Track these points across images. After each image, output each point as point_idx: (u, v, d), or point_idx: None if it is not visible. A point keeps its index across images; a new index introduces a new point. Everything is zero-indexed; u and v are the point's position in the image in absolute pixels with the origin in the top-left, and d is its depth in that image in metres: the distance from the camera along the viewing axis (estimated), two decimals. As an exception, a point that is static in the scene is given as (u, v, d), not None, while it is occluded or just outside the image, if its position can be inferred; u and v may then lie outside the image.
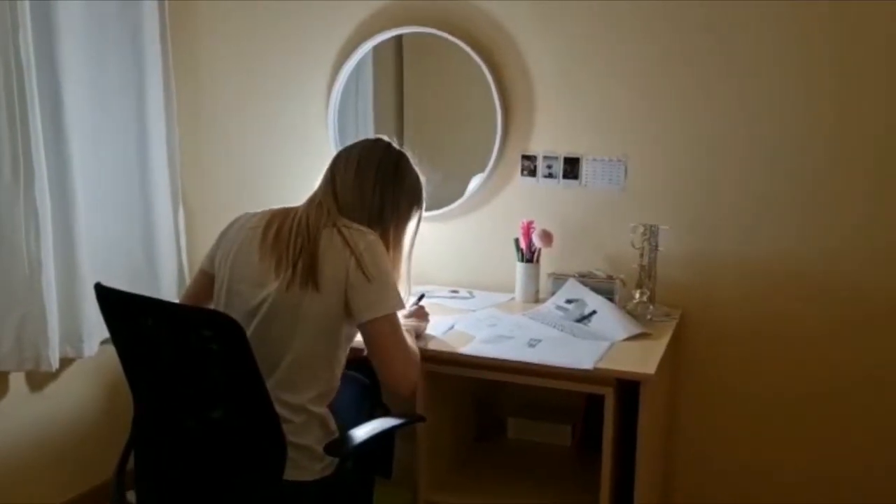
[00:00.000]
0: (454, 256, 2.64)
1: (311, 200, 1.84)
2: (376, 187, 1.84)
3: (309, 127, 2.72)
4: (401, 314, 1.88)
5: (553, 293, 2.35)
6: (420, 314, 2.13)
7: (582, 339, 2.07)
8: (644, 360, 1.91)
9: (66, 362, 2.50)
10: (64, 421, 2.55)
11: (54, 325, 2.36)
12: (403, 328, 1.91)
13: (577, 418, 2.38)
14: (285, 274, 1.72)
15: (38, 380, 2.47)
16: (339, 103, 2.68)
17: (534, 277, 2.44)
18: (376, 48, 2.63)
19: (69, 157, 2.39)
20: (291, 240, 1.75)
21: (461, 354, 1.95)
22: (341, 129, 2.69)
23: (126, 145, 2.64)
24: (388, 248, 1.87)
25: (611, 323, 2.13)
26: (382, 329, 1.75)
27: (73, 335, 2.47)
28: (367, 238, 1.76)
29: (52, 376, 2.50)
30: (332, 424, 1.80)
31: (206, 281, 1.89)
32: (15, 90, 2.19)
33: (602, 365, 1.86)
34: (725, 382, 2.42)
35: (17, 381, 2.42)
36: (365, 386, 2.09)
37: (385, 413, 2.10)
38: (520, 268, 2.45)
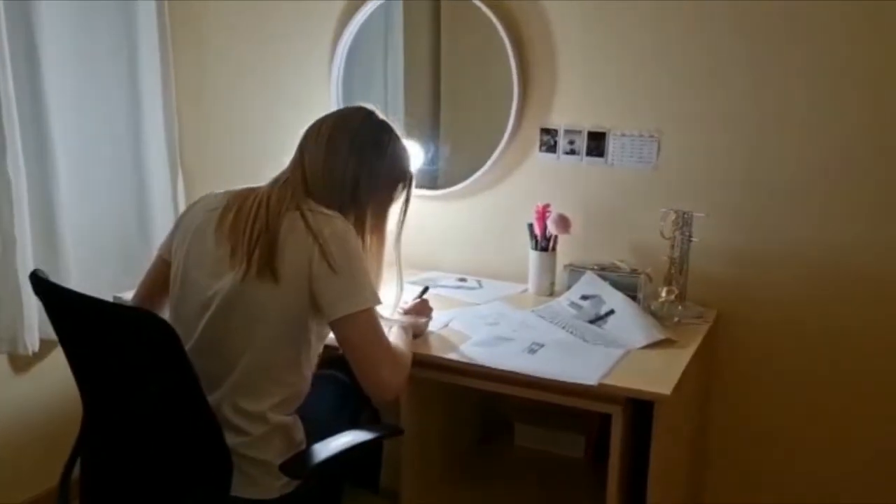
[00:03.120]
0: (464, 241, 2.38)
1: (277, 180, 1.61)
2: (349, 163, 1.59)
3: (312, 90, 2.47)
4: (384, 311, 1.66)
5: (569, 287, 2.07)
6: (422, 309, 1.89)
7: (593, 344, 1.79)
8: (662, 373, 1.63)
9: (50, 345, 2.35)
10: (47, 404, 2.42)
11: (33, 305, 2.21)
12: (397, 326, 1.71)
13: (591, 428, 2.11)
14: (241, 264, 1.50)
15: (20, 363, 2.34)
16: (360, 65, 2.42)
17: (549, 268, 2.17)
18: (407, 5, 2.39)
19: (46, 123, 2.21)
20: (248, 225, 1.52)
21: (446, 359, 1.70)
22: (347, 95, 2.43)
23: (116, 112, 2.45)
24: (365, 234, 1.64)
25: (629, 326, 1.85)
26: (354, 327, 1.52)
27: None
28: (333, 223, 1.52)
29: (36, 358, 2.36)
30: (299, 435, 1.58)
31: (163, 268, 1.67)
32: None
33: (609, 380, 1.59)
34: (765, 392, 2.11)
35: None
36: (345, 386, 1.86)
37: (374, 417, 1.88)
38: (533, 257, 2.18)
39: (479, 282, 2.29)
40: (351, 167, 1.60)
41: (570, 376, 1.60)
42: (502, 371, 1.65)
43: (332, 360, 1.79)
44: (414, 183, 1.74)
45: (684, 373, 1.65)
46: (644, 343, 1.78)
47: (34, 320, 2.23)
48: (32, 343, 2.24)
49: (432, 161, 2.38)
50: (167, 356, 1.34)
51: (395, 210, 1.72)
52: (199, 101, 2.65)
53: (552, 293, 2.15)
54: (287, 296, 1.50)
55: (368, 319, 1.53)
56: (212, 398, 1.47)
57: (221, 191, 1.65)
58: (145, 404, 1.44)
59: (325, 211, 1.54)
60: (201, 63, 2.63)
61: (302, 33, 2.46)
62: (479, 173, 2.30)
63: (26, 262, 2.18)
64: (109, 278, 2.35)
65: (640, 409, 1.61)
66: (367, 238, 1.65)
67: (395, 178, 1.68)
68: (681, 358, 1.72)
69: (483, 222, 2.35)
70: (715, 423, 2.18)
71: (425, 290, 1.98)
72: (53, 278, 2.22)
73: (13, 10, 2.10)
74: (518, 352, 1.73)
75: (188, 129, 2.65)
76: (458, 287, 2.24)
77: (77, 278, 2.31)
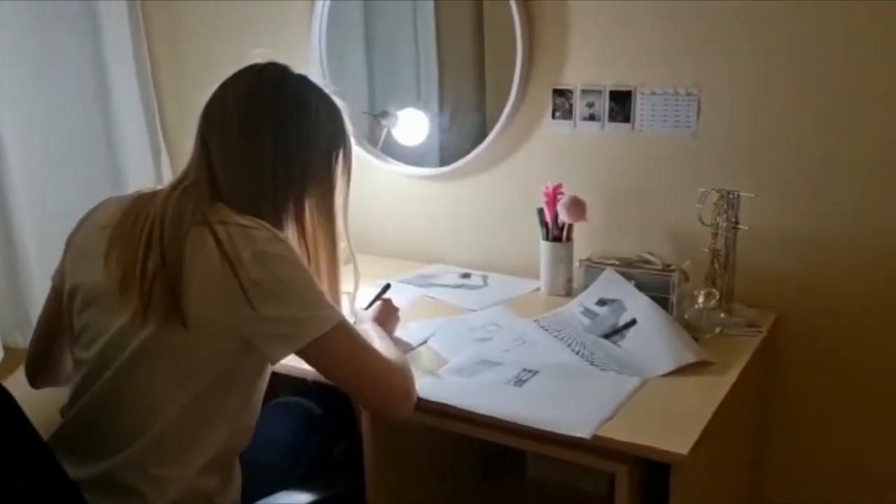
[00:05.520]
0: (470, 229, 2.00)
1: (177, 183, 1.25)
2: (274, 144, 1.23)
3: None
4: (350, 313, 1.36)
5: (586, 287, 1.67)
6: (387, 313, 1.54)
7: (601, 369, 1.40)
8: (686, 417, 1.22)
9: (17, 353, 2.11)
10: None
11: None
12: (368, 324, 1.41)
13: (617, 460, 1.72)
14: (136, 307, 1.16)
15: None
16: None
17: (564, 262, 1.76)
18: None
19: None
20: (141, 254, 1.17)
21: None
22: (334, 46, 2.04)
23: (79, 83, 2.15)
24: (306, 228, 1.30)
25: (652, 342, 1.44)
26: (325, 353, 1.20)
27: (23, 321, 2.08)
28: (253, 239, 1.16)
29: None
30: (226, 498, 1.27)
31: (59, 302, 1.32)
32: None
33: (610, 429, 1.19)
34: (847, 421, 1.66)
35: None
36: (310, 415, 1.55)
37: (349, 451, 1.55)
38: (544, 248, 1.77)
39: (484, 278, 1.90)
40: (277, 149, 1.23)
41: (557, 423, 1.21)
42: (471, 414, 1.27)
43: (295, 384, 1.49)
44: (352, 144, 1.36)
45: (716, 416, 1.24)
46: (669, 368, 1.37)
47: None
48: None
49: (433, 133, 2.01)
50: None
51: (339, 185, 1.35)
52: (179, 66, 2.32)
53: (569, 292, 1.75)
54: (202, 341, 1.16)
55: (340, 335, 1.20)
56: (111, 463, 1.18)
57: (131, 192, 1.32)
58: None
59: (241, 220, 1.18)
60: (175, 21, 2.29)
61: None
62: (481, 147, 1.91)
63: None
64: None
65: (654, 464, 1.21)
66: (310, 232, 1.31)
67: (330, 147, 1.31)
68: (715, 391, 1.30)
69: (490, 206, 1.95)
70: (776, 460, 1.74)
71: (385, 288, 1.62)
72: (14, 280, 2.03)
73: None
74: (502, 383, 1.35)
75: (169, 101, 2.32)
76: (459, 286, 1.86)
77: (39, 279, 2.06)
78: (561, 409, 1.25)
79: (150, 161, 2.27)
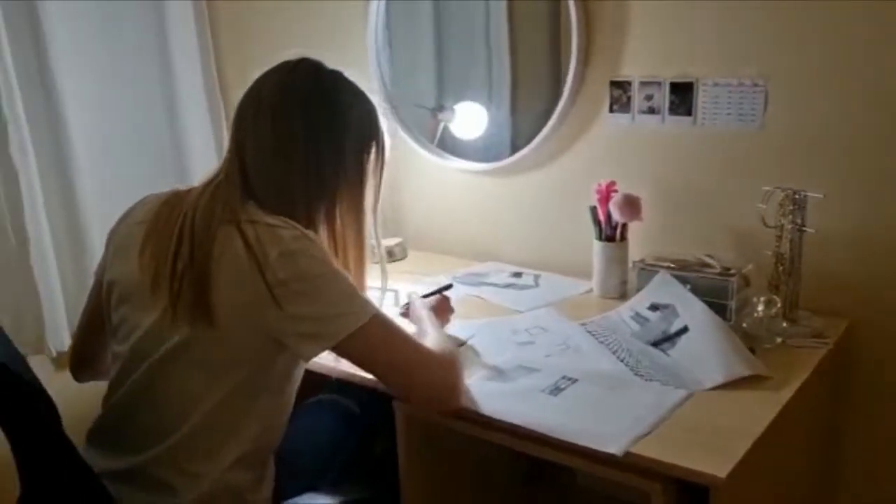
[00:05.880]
0: (524, 226, 1.94)
1: (209, 182, 1.24)
2: (307, 140, 1.21)
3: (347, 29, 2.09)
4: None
5: (639, 290, 1.58)
6: (442, 309, 1.51)
7: (646, 379, 1.31)
8: (732, 436, 1.13)
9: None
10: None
11: (55, 304, 2.04)
12: (419, 307, 1.44)
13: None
14: (165, 303, 1.16)
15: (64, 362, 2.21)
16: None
17: (618, 263, 1.68)
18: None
19: (58, 97, 1.98)
20: (171, 252, 1.17)
21: None
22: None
23: (146, 80, 2.19)
24: (336, 227, 1.27)
25: (704, 352, 1.34)
26: (360, 346, 1.18)
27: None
28: (281, 239, 1.14)
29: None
30: (258, 495, 1.26)
31: (101, 295, 1.33)
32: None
33: (645, 446, 1.12)
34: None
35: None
36: (347, 413, 1.53)
37: (389, 450, 1.52)
38: (597, 249, 1.70)
39: (536, 278, 1.84)
40: (309, 146, 1.21)
41: (589, 437, 1.14)
42: (500, 422, 1.22)
43: (336, 383, 1.47)
44: (388, 142, 1.32)
45: (765, 436, 1.14)
46: (718, 381, 1.28)
47: (60, 321, 2.07)
48: (55, 345, 2.08)
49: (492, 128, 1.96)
50: (24, 417, 1.05)
51: (370, 183, 1.31)
52: (244, 69, 2.33)
53: (622, 295, 1.67)
54: (231, 340, 1.15)
55: (374, 329, 1.17)
56: (144, 457, 1.18)
57: (167, 190, 1.32)
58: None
59: (270, 220, 1.16)
60: (242, 29, 2.31)
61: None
62: (535, 141, 1.84)
63: (46, 261, 2.00)
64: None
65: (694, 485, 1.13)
66: (339, 230, 1.28)
67: (363, 145, 1.27)
68: (767, 409, 1.20)
69: (545, 203, 1.89)
70: (845, 485, 1.61)
71: (447, 287, 1.59)
72: (81, 275, 2.09)
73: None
74: (537, 390, 1.29)
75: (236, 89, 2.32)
76: (509, 285, 1.80)
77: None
78: (595, 422, 1.18)
79: (216, 163, 2.30)
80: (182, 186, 1.30)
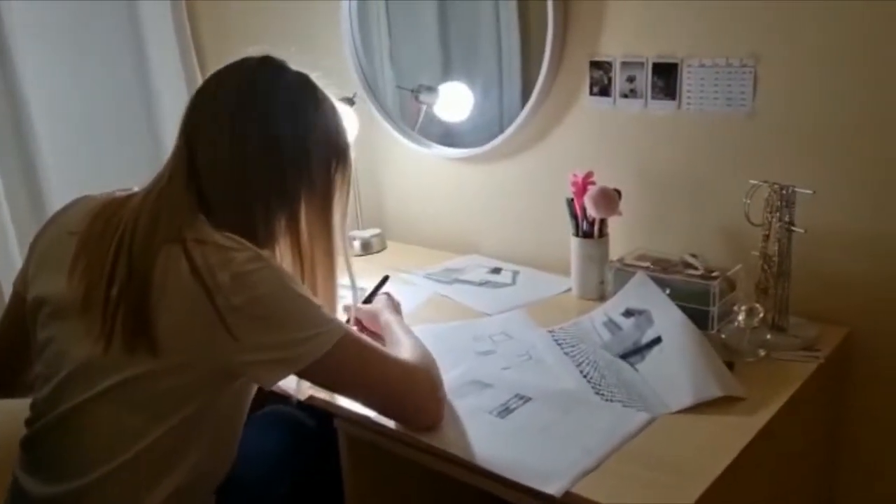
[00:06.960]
0: (504, 218, 1.80)
1: (155, 183, 1.10)
2: (268, 142, 1.08)
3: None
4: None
5: (615, 292, 1.44)
6: (394, 306, 1.40)
7: (606, 399, 1.19)
8: (692, 469, 1.00)
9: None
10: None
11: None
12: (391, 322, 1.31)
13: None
14: (100, 330, 1.04)
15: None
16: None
17: (597, 261, 1.54)
18: None
19: (22, 97, 1.91)
20: (106, 272, 1.04)
21: (359, 414, 1.19)
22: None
23: (120, 75, 2.09)
24: (302, 241, 1.15)
25: (674, 368, 1.21)
26: (334, 368, 1.06)
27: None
28: (231, 260, 1.01)
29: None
30: None
31: (22, 306, 1.19)
32: None
33: (586, 485, 0.99)
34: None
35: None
36: (294, 425, 1.42)
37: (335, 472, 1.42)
38: (575, 245, 1.56)
39: (514, 275, 1.71)
40: (270, 153, 1.08)
41: (528, 473, 1.02)
42: (434, 448, 1.11)
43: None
44: (352, 153, 1.20)
45: (732, 469, 1.01)
46: (685, 404, 1.14)
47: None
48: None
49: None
50: None
51: (337, 196, 1.19)
52: (223, 43, 2.21)
53: (602, 296, 1.53)
54: (175, 374, 1.03)
55: (345, 350, 1.06)
56: (72, 485, 1.07)
57: (107, 191, 1.20)
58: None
59: (220, 240, 1.03)
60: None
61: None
62: (512, 127, 1.70)
63: (11, 263, 1.93)
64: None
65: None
66: (306, 246, 1.16)
67: (329, 153, 1.15)
68: (737, 437, 1.07)
69: (524, 193, 1.75)
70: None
71: (384, 280, 1.48)
72: None
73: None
74: (484, 411, 1.17)
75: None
76: (485, 283, 1.68)
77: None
78: (540, 453, 1.06)
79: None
80: (121, 192, 1.19)
